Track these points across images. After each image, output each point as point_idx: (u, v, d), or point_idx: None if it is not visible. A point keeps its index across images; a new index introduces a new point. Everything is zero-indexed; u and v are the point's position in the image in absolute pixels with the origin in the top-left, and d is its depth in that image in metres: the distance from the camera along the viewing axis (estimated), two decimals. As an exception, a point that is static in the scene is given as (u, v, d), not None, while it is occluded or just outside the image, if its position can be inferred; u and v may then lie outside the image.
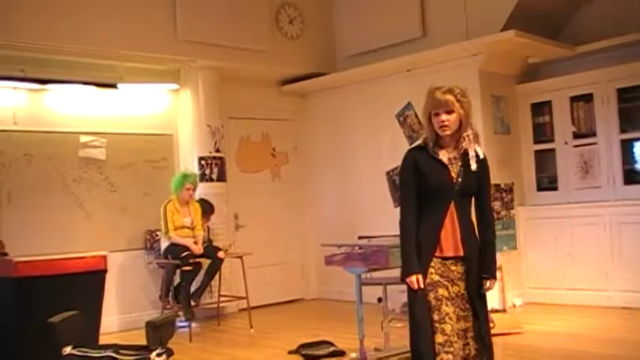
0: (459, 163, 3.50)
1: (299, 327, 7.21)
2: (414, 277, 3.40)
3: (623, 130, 7.26)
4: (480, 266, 3.51)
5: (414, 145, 3.64)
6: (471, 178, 3.50)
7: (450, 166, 3.49)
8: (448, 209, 3.46)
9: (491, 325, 5.81)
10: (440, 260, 3.47)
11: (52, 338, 3.85)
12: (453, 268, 3.48)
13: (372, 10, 8.56)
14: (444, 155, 3.52)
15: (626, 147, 7.32)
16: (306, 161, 9.34)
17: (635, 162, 7.38)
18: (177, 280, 7.32)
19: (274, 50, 8.44)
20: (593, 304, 7.17)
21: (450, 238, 3.47)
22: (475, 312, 3.47)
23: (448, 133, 3.47)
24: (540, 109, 7.89)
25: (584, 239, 7.37)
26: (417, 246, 3.45)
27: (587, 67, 7.44)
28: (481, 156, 3.55)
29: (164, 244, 7.27)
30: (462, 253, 3.47)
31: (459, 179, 3.48)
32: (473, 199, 3.57)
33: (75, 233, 7.20)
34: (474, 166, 3.49)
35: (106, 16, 7.06)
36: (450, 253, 3.47)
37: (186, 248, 7.08)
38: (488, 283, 3.52)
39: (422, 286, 3.40)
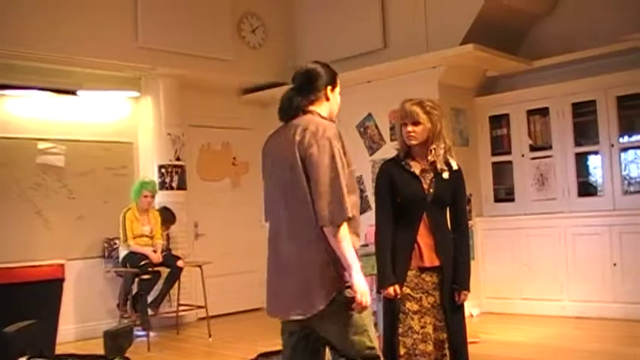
0: (431, 174, 3.56)
1: (258, 336, 7.19)
2: (390, 289, 3.46)
3: (577, 144, 7.42)
4: (453, 277, 3.55)
5: (388, 157, 3.73)
6: (444, 188, 3.55)
7: (421, 178, 3.55)
8: (421, 220, 3.51)
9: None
10: (416, 271, 3.50)
11: (6, 348, 3.80)
12: (427, 278, 3.52)
13: (334, 21, 8.62)
14: (415, 167, 3.58)
15: (581, 160, 7.49)
16: (266, 170, 9.32)
17: (589, 175, 7.55)
18: (135, 288, 7.26)
19: (236, 59, 8.44)
20: (548, 314, 7.30)
21: (426, 249, 3.51)
22: (447, 323, 3.51)
23: (414, 143, 3.54)
24: (498, 121, 8.02)
25: (540, 250, 7.49)
26: (392, 257, 3.48)
27: (544, 82, 7.60)
28: (454, 167, 3.62)
29: (123, 253, 7.22)
30: (437, 263, 3.51)
31: (431, 190, 3.53)
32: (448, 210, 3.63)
33: (32, 241, 7.10)
34: (445, 175, 3.55)
35: (66, 22, 7.00)
36: (427, 264, 3.51)
37: (145, 257, 7.04)
38: (461, 295, 3.56)
39: (398, 295, 3.47)
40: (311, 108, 2.98)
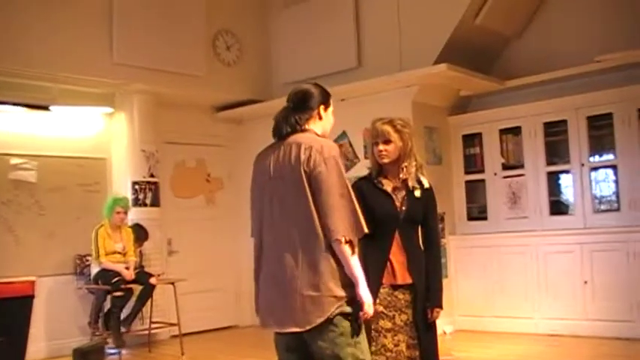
0: (403, 192, 3.59)
1: (232, 354, 7.17)
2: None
3: (549, 163, 7.51)
4: (425, 295, 3.57)
5: (360, 176, 3.74)
6: (416, 206, 3.58)
7: (393, 195, 3.58)
8: (394, 237, 3.54)
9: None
10: (388, 289, 3.51)
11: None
12: (400, 296, 3.53)
13: (309, 39, 8.67)
14: (387, 185, 3.62)
15: (552, 179, 7.58)
16: (240, 187, 9.29)
17: (561, 193, 7.64)
18: (107, 306, 7.19)
19: (211, 76, 8.45)
20: (521, 332, 7.34)
21: (399, 266, 3.53)
22: (420, 341, 3.52)
23: (385, 161, 3.58)
24: (471, 140, 8.10)
25: (513, 268, 7.55)
26: (365, 274, 3.47)
27: (516, 101, 7.71)
28: (426, 185, 3.66)
29: (94, 270, 7.15)
30: (410, 281, 3.54)
31: (404, 207, 3.56)
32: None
33: (2, 257, 6.99)
34: (417, 193, 3.58)
35: (41, 37, 6.95)
36: (399, 281, 3.53)
37: (117, 274, 6.98)
38: (433, 313, 3.58)
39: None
40: (306, 126, 3.06)
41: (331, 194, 2.86)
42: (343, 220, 2.85)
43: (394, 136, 3.57)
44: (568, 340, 6.90)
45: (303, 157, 2.91)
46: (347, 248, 2.85)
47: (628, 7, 7.20)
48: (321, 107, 3.12)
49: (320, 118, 3.12)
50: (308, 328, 2.84)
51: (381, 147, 3.58)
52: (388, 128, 3.58)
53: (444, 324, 7.53)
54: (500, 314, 7.61)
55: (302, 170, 2.90)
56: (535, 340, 7.04)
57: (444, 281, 7.65)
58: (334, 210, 2.85)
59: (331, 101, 3.19)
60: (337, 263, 2.88)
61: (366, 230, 2.89)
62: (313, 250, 2.86)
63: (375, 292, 3.44)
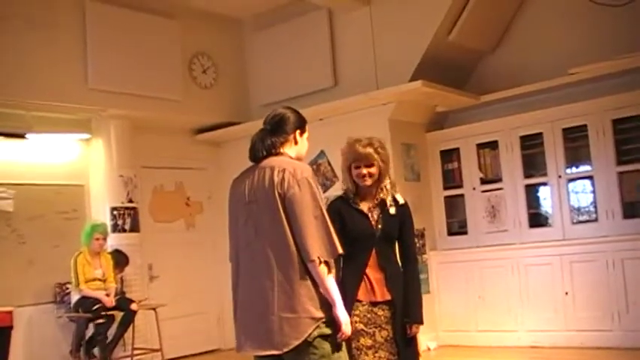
0: (378, 210, 3.61)
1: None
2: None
3: (527, 176, 7.56)
4: (404, 311, 3.58)
5: (336, 195, 3.75)
6: (392, 223, 3.61)
7: (369, 214, 3.61)
8: (370, 255, 3.56)
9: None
10: (368, 306, 3.52)
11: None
12: (380, 313, 3.55)
13: (285, 60, 8.69)
14: (364, 205, 3.64)
15: (530, 191, 7.62)
16: (220, 210, 9.21)
17: (539, 206, 7.68)
18: (88, 334, 7.12)
19: (188, 99, 8.44)
20: (504, 345, 7.36)
21: (377, 283, 3.54)
22: (400, 357, 3.53)
23: (368, 184, 3.61)
24: (449, 156, 8.14)
25: (494, 281, 7.57)
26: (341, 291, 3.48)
27: (492, 116, 7.77)
28: (401, 202, 3.68)
29: (75, 297, 7.08)
30: (389, 297, 3.55)
31: (379, 225, 3.58)
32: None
33: (-20, 288, 6.92)
34: (392, 210, 3.60)
35: (15, 65, 6.91)
36: (379, 298, 3.54)
37: (97, 301, 6.91)
38: (412, 328, 3.59)
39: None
40: (281, 150, 3.09)
41: (305, 216, 2.88)
42: (318, 241, 2.87)
43: (376, 158, 3.60)
44: (550, 352, 6.92)
45: (276, 179, 2.94)
46: (323, 269, 2.86)
47: (599, 20, 7.29)
48: (297, 132, 3.16)
49: (296, 142, 3.15)
50: (285, 350, 2.84)
51: (365, 170, 3.60)
52: (371, 151, 3.60)
53: (427, 340, 7.53)
54: (483, 328, 7.62)
55: (276, 193, 2.92)
56: (519, 353, 7.05)
57: (426, 297, 7.62)
58: (308, 231, 2.86)
59: (307, 127, 3.22)
60: (314, 284, 2.88)
61: (340, 251, 2.91)
62: (289, 272, 2.87)
63: (350, 308, 3.43)
